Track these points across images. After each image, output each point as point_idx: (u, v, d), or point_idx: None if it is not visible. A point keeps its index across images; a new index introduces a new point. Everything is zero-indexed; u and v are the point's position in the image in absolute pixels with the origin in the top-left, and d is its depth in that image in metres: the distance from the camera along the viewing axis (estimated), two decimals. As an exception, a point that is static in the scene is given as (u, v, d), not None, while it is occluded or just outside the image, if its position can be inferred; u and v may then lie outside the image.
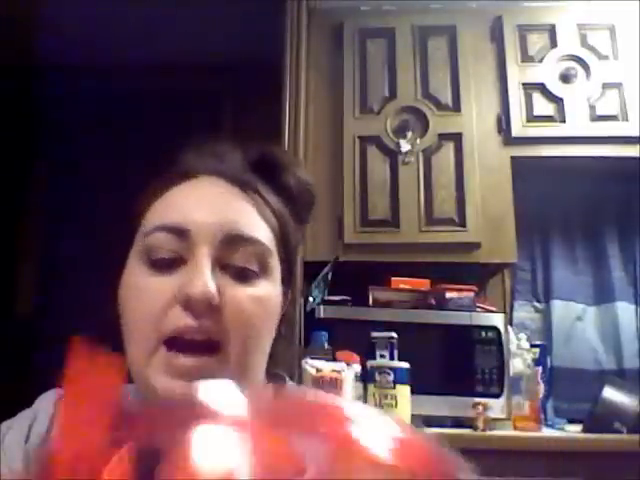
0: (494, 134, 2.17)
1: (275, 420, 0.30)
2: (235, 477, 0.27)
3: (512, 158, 2.14)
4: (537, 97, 2.17)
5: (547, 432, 1.80)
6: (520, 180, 2.16)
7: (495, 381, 1.82)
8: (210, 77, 2.73)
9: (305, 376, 1.57)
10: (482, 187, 2.11)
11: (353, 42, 2.25)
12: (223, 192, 0.61)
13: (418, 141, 2.14)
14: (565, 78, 2.16)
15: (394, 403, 1.58)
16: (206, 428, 0.29)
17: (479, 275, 2.21)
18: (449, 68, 2.22)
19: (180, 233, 0.57)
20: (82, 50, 2.61)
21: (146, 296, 0.57)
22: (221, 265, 0.57)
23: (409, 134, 2.14)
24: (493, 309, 2.02)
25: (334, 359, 1.66)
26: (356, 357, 1.67)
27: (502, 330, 1.87)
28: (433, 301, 1.99)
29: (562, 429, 1.85)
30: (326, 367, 1.58)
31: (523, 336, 1.99)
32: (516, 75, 2.19)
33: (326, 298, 1.93)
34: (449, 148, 2.14)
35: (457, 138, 2.15)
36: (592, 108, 2.14)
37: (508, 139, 2.15)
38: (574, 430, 1.81)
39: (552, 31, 2.22)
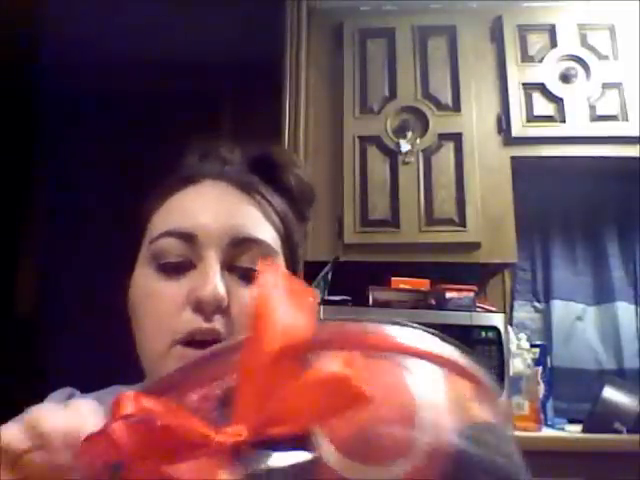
0: (494, 134, 2.17)
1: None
2: None
3: (512, 158, 2.14)
4: (537, 97, 2.17)
5: (547, 432, 1.81)
6: (520, 180, 2.16)
7: (495, 381, 1.82)
8: (210, 77, 2.73)
9: (305, 376, 1.57)
10: (482, 187, 2.11)
11: (353, 42, 2.26)
12: (228, 196, 0.63)
13: (418, 141, 2.14)
14: (565, 78, 2.16)
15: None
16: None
17: (479, 275, 2.21)
18: (449, 68, 2.22)
19: (188, 238, 0.59)
20: (82, 50, 2.61)
21: (158, 300, 0.59)
22: (228, 267, 0.59)
23: (409, 134, 2.14)
24: (493, 309, 2.02)
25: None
26: (356, 357, 1.67)
27: (502, 330, 1.87)
28: (433, 301, 1.99)
29: (562, 429, 1.85)
30: (326, 367, 1.58)
31: (523, 336, 1.99)
32: (516, 75, 2.19)
33: (326, 298, 1.93)
34: (449, 148, 2.14)
35: (457, 138, 2.15)
36: (592, 108, 2.14)
37: (508, 139, 2.15)
38: (574, 430, 1.81)
39: (552, 31, 2.22)
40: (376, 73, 2.23)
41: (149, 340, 0.59)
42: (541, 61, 2.20)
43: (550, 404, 1.98)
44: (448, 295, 1.96)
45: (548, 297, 2.34)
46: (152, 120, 2.65)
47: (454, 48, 2.23)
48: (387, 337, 0.32)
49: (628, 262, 2.33)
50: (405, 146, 2.12)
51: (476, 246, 2.06)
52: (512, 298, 2.37)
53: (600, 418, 1.75)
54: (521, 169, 2.15)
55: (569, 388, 2.13)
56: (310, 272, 1.89)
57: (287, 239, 0.65)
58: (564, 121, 2.14)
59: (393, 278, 2.01)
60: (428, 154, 2.14)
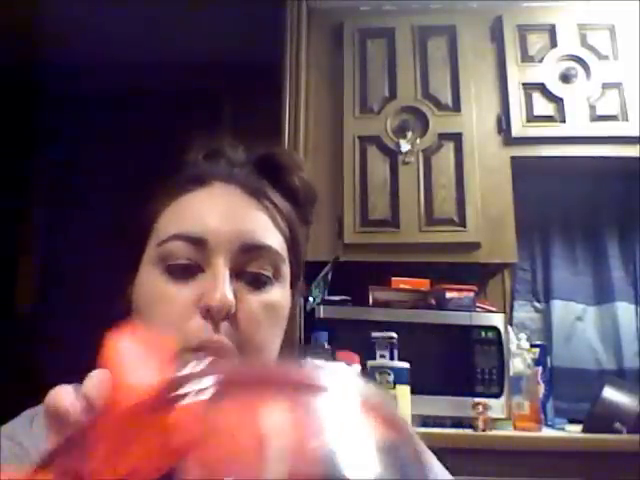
0: (494, 134, 2.17)
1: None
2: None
3: (512, 158, 2.14)
4: (537, 97, 2.17)
5: (547, 432, 1.80)
6: (520, 180, 2.16)
7: (495, 381, 1.82)
8: (210, 77, 2.73)
9: (305, 376, 1.57)
10: (482, 187, 2.11)
11: (353, 42, 2.26)
12: (238, 200, 0.62)
13: (418, 141, 2.14)
14: (565, 78, 2.16)
15: (394, 403, 1.58)
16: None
17: (479, 275, 2.21)
18: (449, 68, 2.22)
19: (198, 242, 0.59)
20: (82, 50, 2.61)
21: (166, 304, 0.59)
22: (236, 272, 0.59)
23: (409, 134, 2.14)
24: (493, 309, 2.02)
25: (334, 359, 1.66)
26: (356, 357, 1.67)
27: (502, 330, 1.87)
28: (433, 301, 1.99)
29: (562, 429, 1.85)
30: (326, 367, 1.58)
31: (523, 336, 1.99)
32: (516, 75, 2.19)
33: (326, 298, 1.93)
34: (449, 148, 2.14)
35: (457, 138, 2.15)
36: (592, 108, 2.14)
37: (508, 139, 2.15)
38: (574, 430, 1.81)
39: (552, 31, 2.22)
40: (376, 73, 2.23)
41: None
42: (541, 61, 2.20)
43: (550, 404, 1.98)
44: (448, 295, 1.96)
45: (548, 297, 2.34)
46: (152, 120, 2.65)
47: (454, 48, 2.23)
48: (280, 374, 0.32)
49: (628, 262, 2.33)
50: (405, 146, 2.12)
51: (476, 246, 2.06)
52: (512, 298, 2.37)
53: (600, 418, 1.75)
54: (521, 169, 2.15)
55: (569, 388, 2.13)
56: (310, 272, 1.89)
57: (293, 244, 0.65)
58: (564, 121, 2.14)
59: (393, 278, 2.01)
60: (428, 154, 2.14)
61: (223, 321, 0.57)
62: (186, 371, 0.31)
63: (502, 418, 1.78)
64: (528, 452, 1.64)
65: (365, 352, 1.68)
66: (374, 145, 2.16)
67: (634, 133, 2.09)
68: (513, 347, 1.92)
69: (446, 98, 2.19)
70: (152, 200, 0.65)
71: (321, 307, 1.87)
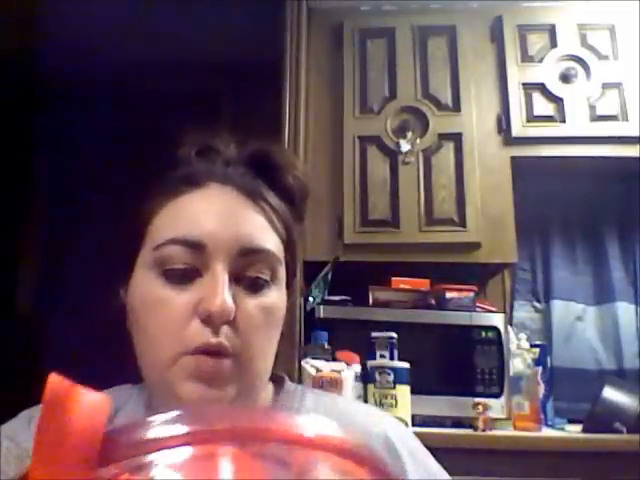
0: (494, 134, 2.17)
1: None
2: None
3: (512, 158, 2.14)
4: (537, 97, 2.17)
5: (547, 432, 1.80)
6: (520, 180, 2.16)
7: (495, 381, 1.82)
8: (210, 77, 2.73)
9: (305, 376, 1.57)
10: (482, 187, 2.11)
11: (353, 42, 2.26)
12: (235, 203, 0.62)
13: (418, 141, 2.14)
14: (565, 78, 2.16)
15: (394, 403, 1.58)
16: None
17: (479, 275, 2.21)
18: (449, 68, 2.22)
19: (196, 247, 0.58)
20: (82, 50, 2.61)
21: (165, 309, 0.58)
22: (235, 277, 0.59)
23: (409, 134, 2.14)
24: (493, 309, 2.02)
25: (334, 359, 1.66)
26: (356, 357, 1.67)
27: (502, 330, 1.87)
28: (433, 301, 1.99)
29: (562, 429, 1.85)
30: (326, 367, 1.58)
31: (523, 336, 1.99)
32: (516, 75, 2.19)
33: (326, 298, 1.93)
34: (449, 148, 2.14)
35: (457, 138, 2.15)
36: (592, 108, 2.14)
37: (508, 139, 2.15)
38: (574, 430, 1.81)
39: (552, 31, 2.22)
40: (376, 73, 2.23)
41: (155, 349, 0.59)
42: (541, 61, 2.20)
43: (550, 404, 1.98)
44: (448, 295, 1.96)
45: (548, 297, 2.34)
46: (152, 120, 2.65)
47: (454, 48, 2.23)
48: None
49: (628, 262, 2.33)
50: (405, 146, 2.12)
51: (476, 246, 2.06)
52: (512, 298, 2.37)
53: (600, 418, 1.75)
54: (521, 169, 2.15)
55: (569, 388, 2.13)
56: (310, 272, 1.90)
57: (289, 245, 0.65)
58: (564, 121, 2.14)
59: (393, 278, 2.01)
60: (428, 154, 2.14)
61: (222, 325, 0.57)
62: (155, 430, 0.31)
63: (502, 418, 1.78)
64: (528, 452, 1.64)
65: (365, 352, 1.68)
66: (374, 145, 2.15)
67: (634, 133, 2.09)
68: (513, 347, 1.92)
69: (446, 98, 2.19)
70: (146, 200, 0.64)
71: (321, 307, 1.87)
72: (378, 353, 1.68)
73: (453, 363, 1.86)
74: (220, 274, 0.57)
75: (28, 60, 2.65)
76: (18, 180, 2.84)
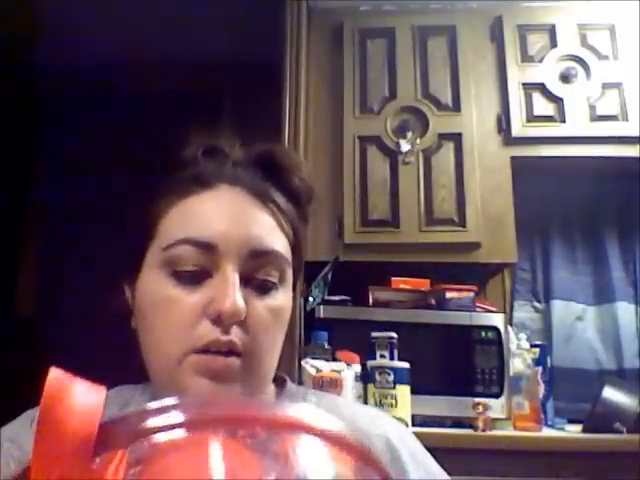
0: (494, 134, 2.17)
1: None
2: None
3: (512, 158, 2.14)
4: (537, 97, 2.17)
5: (547, 432, 1.80)
6: (520, 180, 2.16)
7: (495, 381, 1.82)
8: (210, 77, 2.73)
9: (305, 376, 1.57)
10: (482, 187, 2.11)
11: (353, 42, 2.26)
12: (244, 204, 0.62)
13: (418, 141, 2.14)
14: (565, 78, 2.16)
15: (394, 403, 1.58)
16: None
17: (479, 275, 2.21)
18: (449, 68, 2.22)
19: (206, 247, 0.58)
20: (82, 50, 2.61)
21: (174, 309, 0.58)
22: (245, 278, 0.59)
23: (409, 134, 2.14)
24: (493, 309, 2.02)
25: (334, 359, 1.66)
26: (356, 357, 1.67)
27: (502, 330, 1.87)
28: (433, 301, 1.99)
29: (562, 429, 1.85)
30: (326, 367, 1.58)
31: (523, 336, 1.99)
32: (516, 75, 2.19)
33: (326, 298, 1.93)
34: (449, 148, 2.14)
35: (457, 138, 2.15)
36: (592, 108, 2.14)
37: (508, 139, 2.15)
38: (574, 430, 1.81)
39: (552, 31, 2.22)
40: (376, 73, 2.23)
41: (163, 347, 0.59)
42: (541, 61, 2.20)
43: (550, 404, 1.98)
44: (448, 295, 1.96)
45: (548, 297, 2.34)
46: (152, 120, 2.65)
47: (454, 48, 2.23)
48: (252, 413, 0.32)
49: (628, 262, 2.33)
50: (405, 146, 2.12)
51: (476, 246, 2.06)
52: (512, 298, 2.37)
53: (600, 418, 1.75)
54: (521, 169, 2.15)
55: (569, 388, 2.13)
56: (310, 272, 1.90)
57: (296, 246, 0.65)
58: (564, 121, 2.14)
59: (393, 278, 2.01)
60: (428, 154, 2.14)
61: (232, 327, 0.57)
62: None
63: (502, 418, 1.78)
64: (528, 452, 1.64)
65: (365, 352, 1.68)
66: (374, 145, 2.15)
67: (634, 133, 2.09)
68: (513, 347, 1.92)
69: (446, 98, 2.19)
70: (154, 200, 0.63)
71: (321, 307, 1.87)
72: (378, 353, 1.68)
73: (453, 363, 1.86)
74: (231, 275, 0.58)
75: (28, 59, 2.65)
76: (18, 180, 2.84)
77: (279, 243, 0.62)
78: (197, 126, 0.68)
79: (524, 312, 2.35)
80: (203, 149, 0.67)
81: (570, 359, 2.24)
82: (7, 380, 2.27)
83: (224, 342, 0.57)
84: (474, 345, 1.86)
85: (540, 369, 1.92)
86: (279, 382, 0.70)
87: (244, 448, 0.29)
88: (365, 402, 1.59)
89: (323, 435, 0.31)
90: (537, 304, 2.36)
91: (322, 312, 1.87)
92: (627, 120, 2.12)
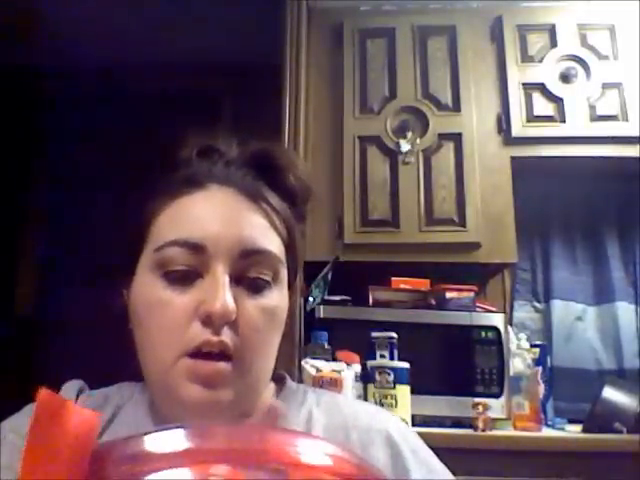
0: (494, 134, 2.17)
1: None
2: None
3: (512, 158, 2.14)
4: (537, 97, 2.17)
5: (547, 432, 1.80)
6: (520, 180, 2.16)
7: (495, 381, 1.82)
8: (210, 77, 2.73)
9: (305, 376, 1.57)
10: (482, 187, 2.11)
11: (353, 42, 2.25)
12: (236, 204, 0.62)
13: (418, 141, 2.14)
14: (565, 78, 2.16)
15: (394, 403, 1.58)
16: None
17: (479, 275, 2.21)
18: (449, 68, 2.22)
19: (196, 248, 0.58)
20: (82, 50, 2.61)
21: (165, 311, 0.58)
22: (236, 278, 0.59)
23: (409, 134, 2.14)
24: (493, 309, 2.02)
25: (334, 359, 1.66)
26: (356, 357, 1.67)
27: (502, 330, 1.87)
28: (433, 301, 1.99)
29: (562, 429, 1.85)
30: (326, 367, 1.58)
31: (523, 336, 1.99)
32: (516, 75, 2.19)
33: (326, 298, 1.93)
34: (449, 148, 2.14)
35: (457, 138, 2.15)
36: (592, 108, 2.14)
37: (508, 139, 2.15)
38: (574, 430, 1.81)
39: (552, 31, 2.22)
40: (376, 73, 2.23)
41: (156, 350, 0.59)
42: (541, 61, 2.20)
43: (550, 404, 1.98)
44: (448, 295, 1.96)
45: (548, 297, 2.34)
46: (152, 120, 2.65)
47: (454, 48, 2.23)
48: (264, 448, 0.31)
49: (628, 262, 2.33)
50: (405, 146, 2.12)
51: (476, 246, 2.06)
52: (512, 298, 2.37)
53: (600, 418, 1.75)
54: (521, 169, 2.15)
55: (569, 388, 2.13)
56: (310, 272, 1.90)
57: (290, 245, 0.65)
58: (564, 121, 2.14)
59: (393, 278, 2.01)
60: (428, 154, 2.14)
61: (223, 327, 0.57)
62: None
63: (502, 418, 1.78)
64: (528, 452, 1.64)
65: (365, 352, 1.68)
66: (374, 145, 2.15)
67: (634, 133, 2.09)
68: (513, 347, 1.92)
69: (446, 98, 2.19)
70: (147, 202, 0.64)
71: (321, 307, 1.87)
72: (378, 353, 1.68)
73: (453, 363, 1.86)
74: (221, 275, 0.57)
75: (28, 59, 2.65)
76: (18, 180, 2.84)
77: (271, 243, 0.61)
78: (196, 127, 0.67)
79: (524, 312, 2.35)
80: (198, 149, 0.67)
81: (570, 359, 2.24)
82: (7, 380, 2.27)
83: (215, 343, 0.56)
84: (474, 345, 1.86)
85: (540, 369, 1.92)
86: (279, 380, 0.70)
87: None
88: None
89: (332, 470, 0.30)
90: (537, 304, 2.36)
91: (322, 312, 1.87)
92: (627, 120, 2.12)
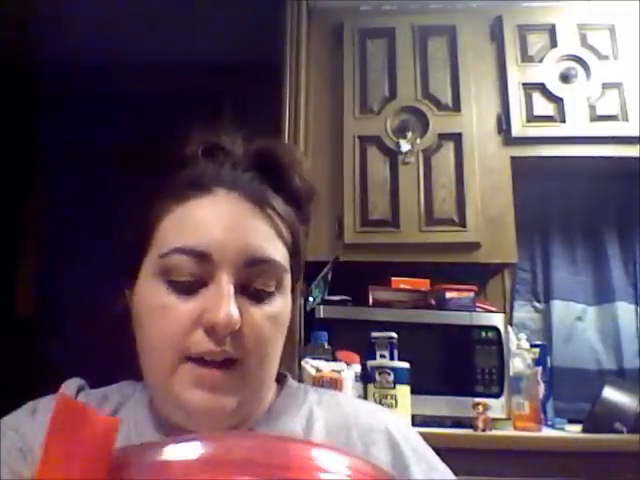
0: (494, 134, 2.17)
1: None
2: None
3: (512, 158, 2.14)
4: (537, 97, 2.17)
5: (547, 432, 1.80)
6: (520, 180, 2.16)
7: (495, 381, 1.82)
8: (210, 77, 2.73)
9: (305, 376, 1.57)
10: (482, 187, 2.11)
11: (353, 42, 2.26)
12: (241, 211, 0.61)
13: (418, 141, 2.14)
14: (565, 78, 2.16)
15: (394, 403, 1.58)
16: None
17: (479, 275, 2.21)
18: (449, 68, 2.22)
19: (202, 256, 0.58)
20: (82, 50, 2.61)
21: (169, 317, 0.58)
22: (240, 286, 0.58)
23: (409, 134, 2.14)
24: (493, 309, 2.02)
25: (334, 359, 1.66)
26: (356, 357, 1.67)
27: (502, 330, 1.87)
28: (433, 301, 1.99)
29: (562, 429, 1.85)
30: (326, 367, 1.58)
31: (523, 336, 1.99)
32: (516, 75, 2.19)
33: (326, 298, 1.93)
34: (449, 148, 2.14)
35: (457, 138, 2.15)
36: (592, 108, 2.14)
37: (508, 139, 2.15)
38: (574, 430, 1.81)
39: (552, 31, 2.22)
40: (376, 73, 2.23)
41: (158, 355, 0.59)
42: (541, 61, 2.20)
43: (550, 404, 1.98)
44: (448, 295, 1.96)
45: (548, 297, 2.34)
46: (152, 120, 2.65)
47: (454, 48, 2.23)
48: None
49: (628, 262, 2.33)
50: (405, 146, 2.12)
51: (476, 246, 2.06)
52: (512, 298, 2.37)
53: (600, 418, 1.74)
54: (521, 169, 2.15)
55: (569, 388, 2.13)
56: (310, 272, 1.90)
57: (295, 251, 0.64)
58: (564, 121, 2.14)
59: (393, 278, 2.01)
60: (428, 154, 2.14)
61: (226, 337, 0.56)
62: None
63: (502, 418, 1.78)
64: (528, 452, 1.64)
65: (365, 352, 1.68)
66: (374, 145, 2.15)
67: (634, 133, 2.09)
68: (513, 347, 1.92)
69: (446, 98, 2.19)
70: (152, 204, 0.63)
71: (321, 307, 1.87)
72: (378, 353, 1.68)
73: (453, 363, 1.86)
74: (225, 285, 0.57)
75: (28, 58, 2.65)
76: (18, 181, 2.84)
77: (276, 251, 0.61)
78: (198, 125, 0.67)
79: (524, 312, 2.35)
80: (203, 147, 0.66)
81: (570, 359, 2.24)
82: (7, 380, 2.27)
83: (218, 353, 0.56)
84: (474, 345, 1.86)
85: (540, 369, 1.92)
86: (280, 379, 0.69)
87: None
88: (365, 402, 1.59)
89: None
90: (537, 304, 2.36)
91: (322, 312, 1.87)
92: (627, 120, 2.12)
